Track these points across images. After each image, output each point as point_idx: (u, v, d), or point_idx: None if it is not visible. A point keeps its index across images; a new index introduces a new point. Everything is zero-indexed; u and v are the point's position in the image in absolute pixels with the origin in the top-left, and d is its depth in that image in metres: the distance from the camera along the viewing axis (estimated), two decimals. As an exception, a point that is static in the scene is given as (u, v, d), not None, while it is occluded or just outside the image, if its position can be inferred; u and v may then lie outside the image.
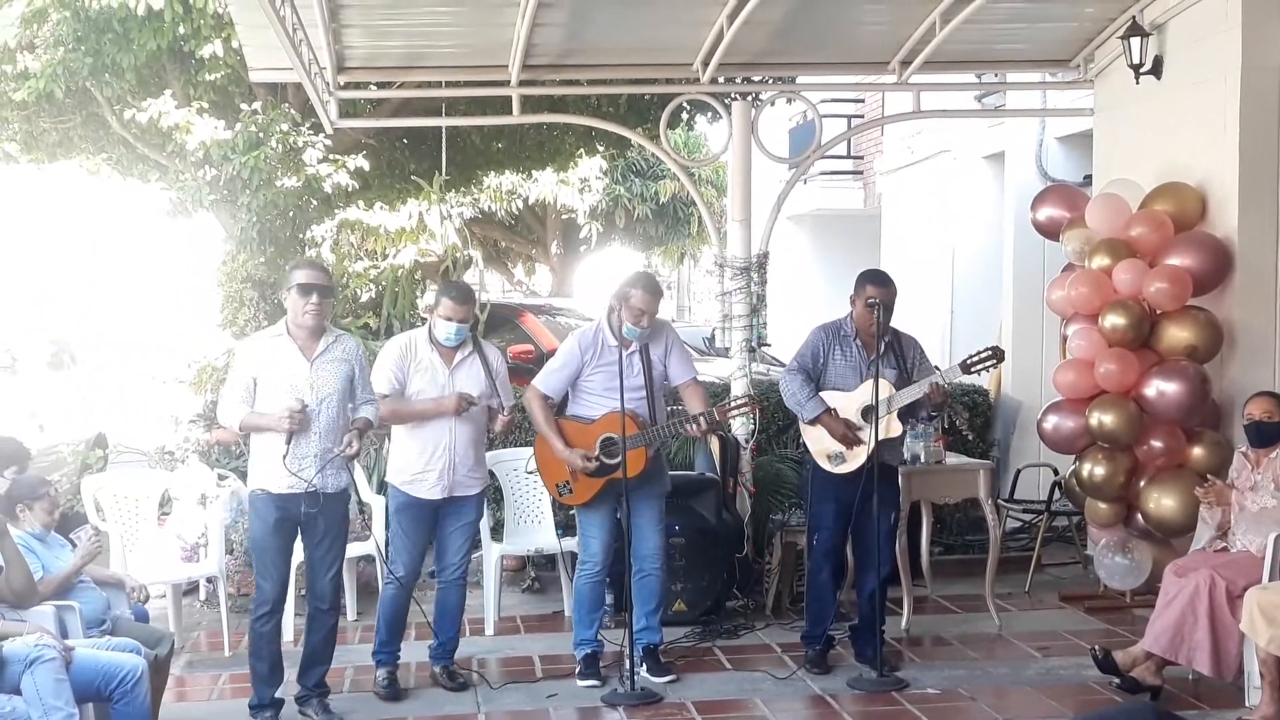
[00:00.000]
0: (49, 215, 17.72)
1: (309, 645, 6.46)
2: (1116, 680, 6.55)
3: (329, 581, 6.36)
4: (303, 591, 6.71)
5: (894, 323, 6.98)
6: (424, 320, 11.49)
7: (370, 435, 6.50)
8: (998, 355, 6.98)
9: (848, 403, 6.90)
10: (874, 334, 6.81)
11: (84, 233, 19.08)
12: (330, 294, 6.28)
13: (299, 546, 6.38)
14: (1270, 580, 6.18)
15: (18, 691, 5.05)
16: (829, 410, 6.89)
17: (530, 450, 7.29)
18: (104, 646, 5.55)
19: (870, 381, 6.77)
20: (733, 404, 7.11)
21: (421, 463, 6.70)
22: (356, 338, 6.46)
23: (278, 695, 6.36)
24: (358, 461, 7.08)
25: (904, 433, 7.09)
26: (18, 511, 5.97)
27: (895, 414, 6.84)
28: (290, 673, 6.50)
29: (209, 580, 8.22)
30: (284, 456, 6.04)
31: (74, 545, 6.09)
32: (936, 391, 6.78)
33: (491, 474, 8.14)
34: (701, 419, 6.74)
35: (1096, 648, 6.71)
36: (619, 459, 6.67)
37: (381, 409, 6.50)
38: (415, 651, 7.16)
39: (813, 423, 6.94)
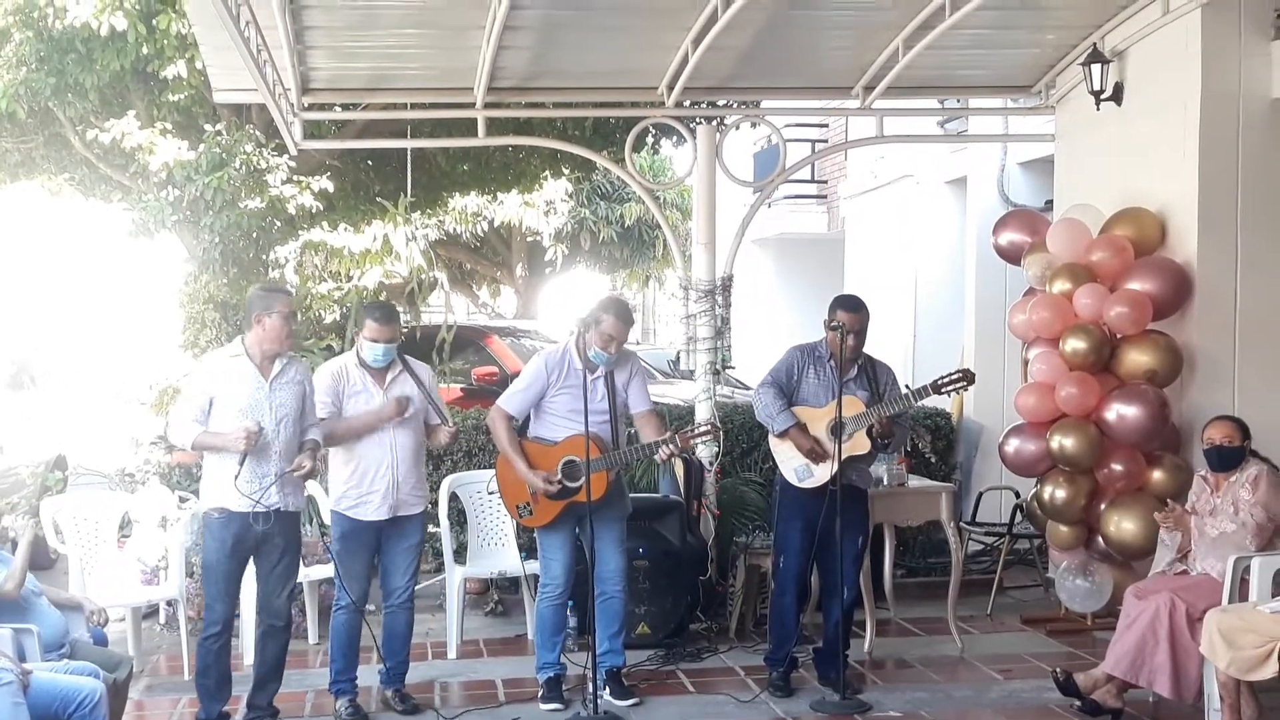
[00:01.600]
0: (9, 236, 17.59)
1: (262, 664, 6.47)
2: (1078, 703, 6.58)
3: (284, 599, 6.40)
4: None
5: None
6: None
7: (321, 455, 6.46)
8: (968, 377, 7.06)
9: (818, 418, 6.93)
10: (844, 358, 6.86)
11: (45, 253, 18.96)
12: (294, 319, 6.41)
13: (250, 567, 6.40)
14: (1230, 603, 6.23)
15: (-26, 715, 5.00)
16: (798, 424, 6.91)
17: (492, 472, 7.26)
18: (62, 670, 5.49)
19: (841, 398, 6.81)
20: (695, 431, 7.09)
21: (366, 484, 6.64)
22: (305, 360, 6.46)
23: (225, 709, 6.39)
24: (317, 482, 7.06)
25: (872, 450, 7.10)
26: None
27: (865, 431, 6.86)
28: (239, 692, 6.49)
29: (169, 603, 8.15)
30: (235, 477, 6.05)
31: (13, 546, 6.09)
32: (880, 425, 6.83)
33: (455, 496, 8.15)
34: (667, 444, 6.73)
35: (1058, 670, 6.74)
36: (580, 482, 6.66)
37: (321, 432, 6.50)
38: (366, 676, 7.14)
39: (782, 436, 6.97)
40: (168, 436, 6.45)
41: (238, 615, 6.79)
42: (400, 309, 14.42)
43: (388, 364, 6.77)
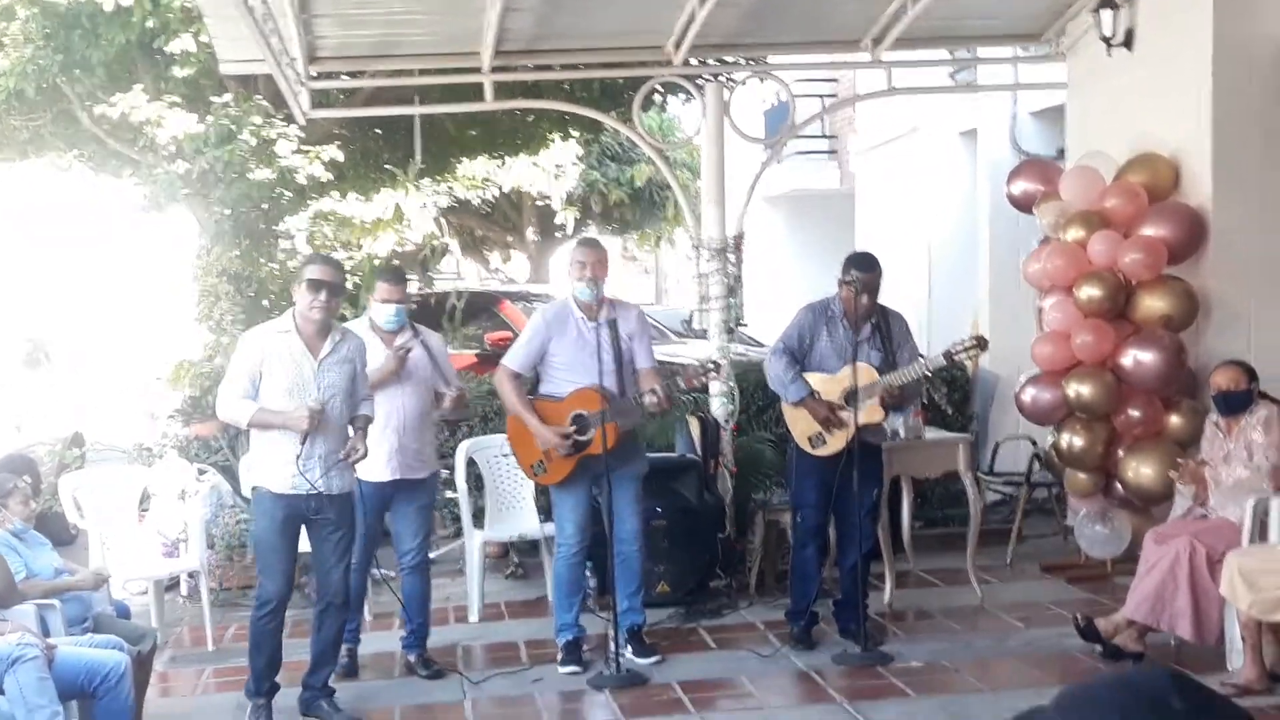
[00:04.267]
0: (21, 213, 17.61)
1: (319, 644, 6.27)
2: (1099, 648, 6.59)
3: (340, 577, 6.18)
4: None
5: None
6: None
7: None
8: (981, 344, 7.04)
9: (831, 386, 6.91)
10: (858, 316, 6.84)
11: (57, 231, 18.99)
12: (340, 291, 6.14)
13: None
14: (1250, 545, 6.23)
15: (1, 691, 5.03)
16: (812, 393, 6.90)
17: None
18: (86, 644, 5.53)
19: (856, 366, 6.79)
20: (695, 372, 6.93)
21: (371, 445, 6.46)
22: (359, 336, 6.33)
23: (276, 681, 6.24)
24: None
25: (885, 417, 7.08)
26: (-7, 511, 5.94)
27: (878, 399, 6.84)
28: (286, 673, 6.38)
29: (190, 575, 8.20)
30: (298, 458, 5.85)
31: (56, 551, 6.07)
32: (891, 393, 6.80)
33: (472, 462, 8.17)
34: (658, 389, 6.67)
35: (1078, 616, 6.75)
36: (590, 434, 6.66)
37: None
38: (385, 641, 7.18)
39: (796, 405, 6.96)
40: (217, 411, 6.26)
41: (303, 591, 6.60)
42: (413, 276, 14.47)
43: (399, 328, 6.77)
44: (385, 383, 6.65)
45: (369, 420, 6.24)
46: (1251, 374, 6.61)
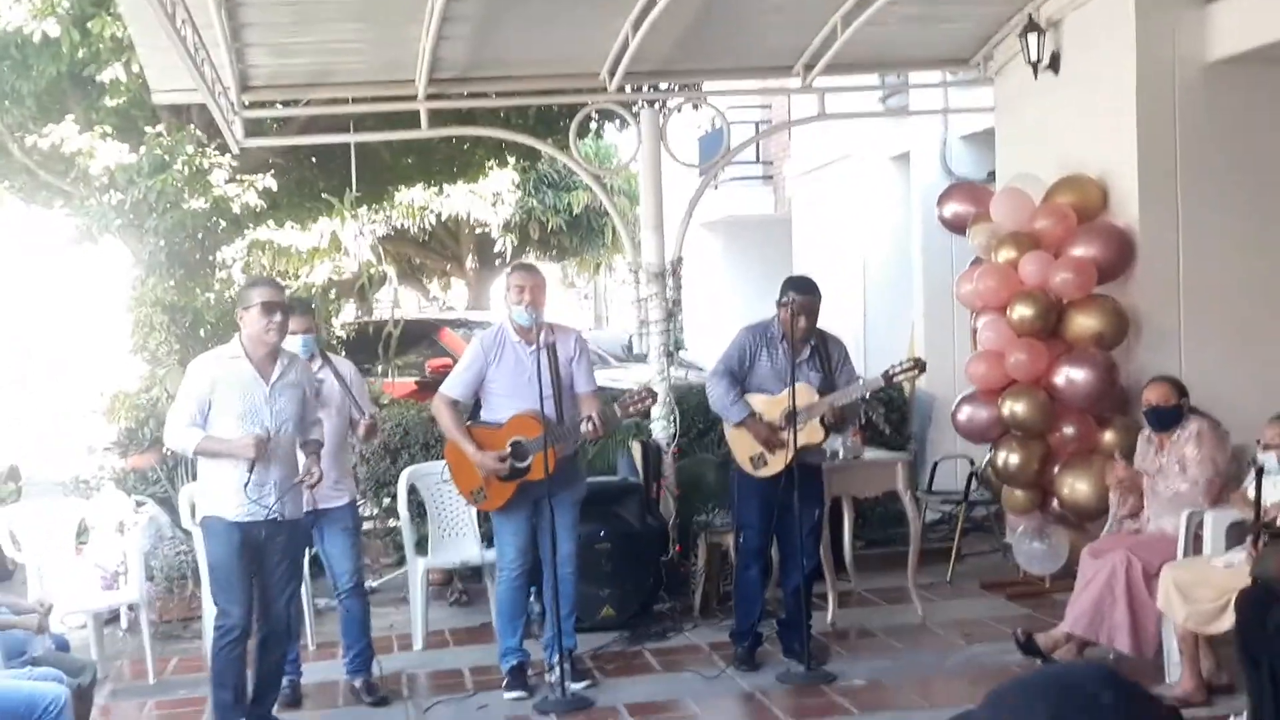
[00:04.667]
0: (-49, 247, 17.40)
1: (262, 671, 6.20)
2: (1039, 662, 6.65)
3: (285, 605, 6.14)
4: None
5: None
6: (339, 339, 11.48)
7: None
8: (920, 366, 7.14)
9: (772, 407, 6.96)
10: (796, 338, 6.90)
11: (-11, 263, 18.76)
12: (289, 311, 6.14)
13: None
14: (1185, 558, 6.33)
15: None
16: (753, 414, 6.95)
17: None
18: (25, 676, 5.45)
19: (794, 386, 6.84)
20: (632, 399, 6.94)
21: None
22: (302, 361, 6.34)
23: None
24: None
25: (825, 438, 7.14)
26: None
27: (819, 420, 6.90)
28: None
29: (130, 608, 8.10)
30: (245, 485, 5.82)
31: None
32: (832, 413, 6.86)
33: (414, 489, 8.15)
34: (594, 417, 6.67)
35: (1019, 632, 6.83)
36: (529, 461, 6.67)
37: None
38: (328, 670, 7.18)
39: (737, 426, 7.00)
40: (164, 439, 6.20)
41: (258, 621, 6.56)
42: (353, 304, 14.42)
43: (309, 357, 6.76)
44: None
45: (320, 445, 6.24)
46: (1181, 390, 6.73)
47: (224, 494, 5.90)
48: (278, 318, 5.91)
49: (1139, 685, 1.24)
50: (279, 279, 11.82)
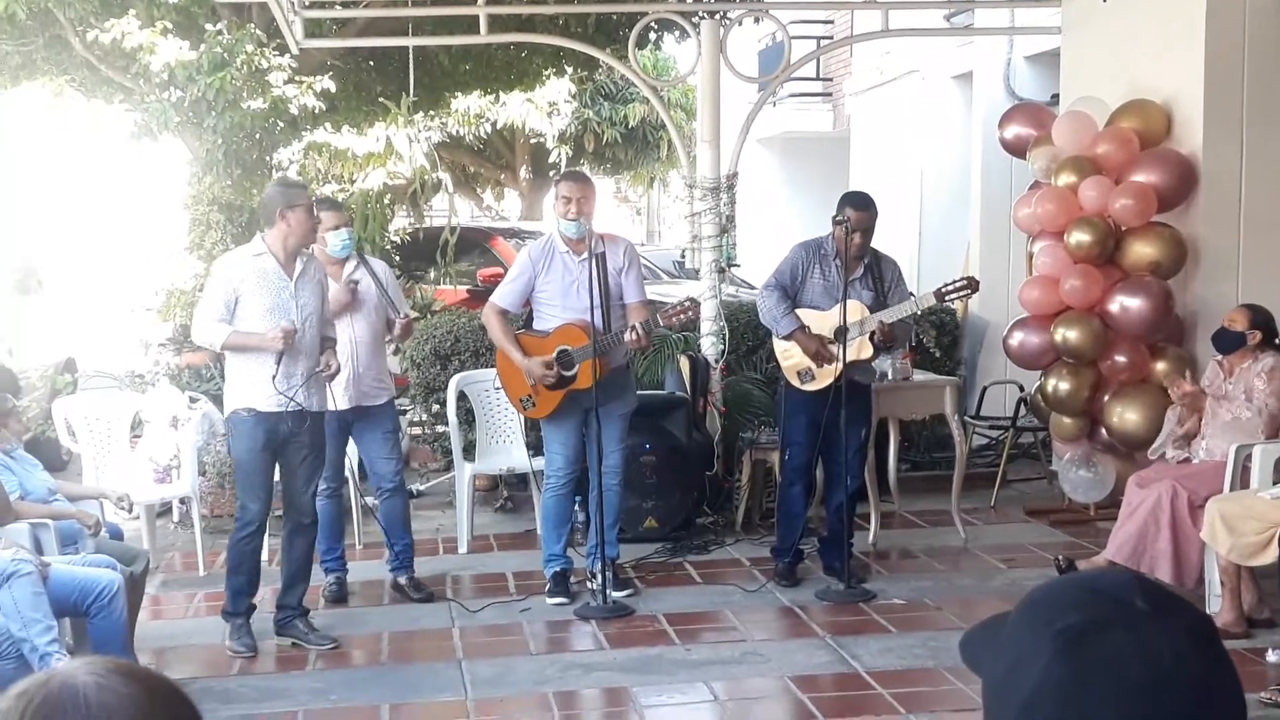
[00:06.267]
0: (11, 140, 17.50)
1: (291, 563, 6.40)
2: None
3: (310, 496, 6.35)
4: (277, 512, 6.68)
5: (868, 242, 7.02)
6: (392, 244, 11.50)
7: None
8: (972, 285, 7.09)
9: (822, 322, 6.95)
10: (850, 255, 6.86)
11: (49, 157, 18.87)
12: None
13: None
14: (1231, 490, 6.30)
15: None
16: (803, 327, 6.94)
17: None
18: (80, 563, 5.59)
19: (846, 302, 6.82)
20: (674, 310, 6.94)
21: None
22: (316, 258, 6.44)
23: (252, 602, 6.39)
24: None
25: (874, 355, 7.13)
26: (-10, 432, 5.97)
27: (868, 337, 6.88)
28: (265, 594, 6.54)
29: (182, 502, 8.25)
30: (273, 377, 5.98)
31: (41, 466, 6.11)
32: (882, 330, 6.82)
33: (463, 395, 8.22)
34: (638, 326, 6.68)
35: (1060, 558, 6.85)
36: (575, 369, 6.71)
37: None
38: (374, 570, 7.26)
39: (786, 338, 7.00)
40: (192, 337, 6.36)
41: (274, 513, 6.74)
42: (404, 211, 14.44)
43: (346, 256, 6.85)
44: (337, 314, 6.73)
45: (333, 342, 6.39)
46: (1257, 321, 6.62)
47: (254, 386, 6.06)
48: (320, 216, 6.19)
49: (1171, 591, 1.24)
50: (334, 184, 11.90)
